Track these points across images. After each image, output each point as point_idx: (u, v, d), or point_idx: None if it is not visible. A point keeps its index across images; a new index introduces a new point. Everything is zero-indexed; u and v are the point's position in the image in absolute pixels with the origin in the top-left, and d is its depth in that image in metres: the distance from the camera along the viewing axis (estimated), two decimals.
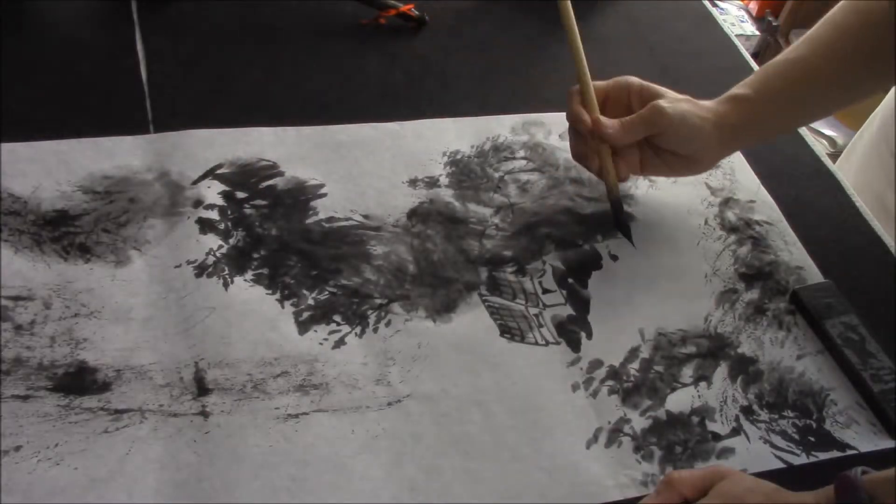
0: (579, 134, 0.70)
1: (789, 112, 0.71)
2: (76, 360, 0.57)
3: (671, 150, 0.69)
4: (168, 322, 0.60)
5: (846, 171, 0.95)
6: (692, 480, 0.55)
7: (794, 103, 0.70)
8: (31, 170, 0.66)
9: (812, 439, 0.62)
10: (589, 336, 0.65)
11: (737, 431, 0.61)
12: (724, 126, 0.68)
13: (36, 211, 0.64)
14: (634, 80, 0.70)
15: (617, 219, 0.71)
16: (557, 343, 0.64)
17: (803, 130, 0.88)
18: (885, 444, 0.62)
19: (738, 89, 0.70)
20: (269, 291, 0.63)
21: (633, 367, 0.64)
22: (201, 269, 0.63)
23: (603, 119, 0.68)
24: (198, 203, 0.67)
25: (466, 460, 0.56)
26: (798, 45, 0.71)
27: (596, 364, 0.63)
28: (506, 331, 0.64)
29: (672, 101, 0.68)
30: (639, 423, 0.60)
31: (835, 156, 2.14)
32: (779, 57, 0.71)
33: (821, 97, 0.71)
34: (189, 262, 0.63)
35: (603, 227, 0.73)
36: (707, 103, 0.69)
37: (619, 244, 0.72)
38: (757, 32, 2.40)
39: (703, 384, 0.64)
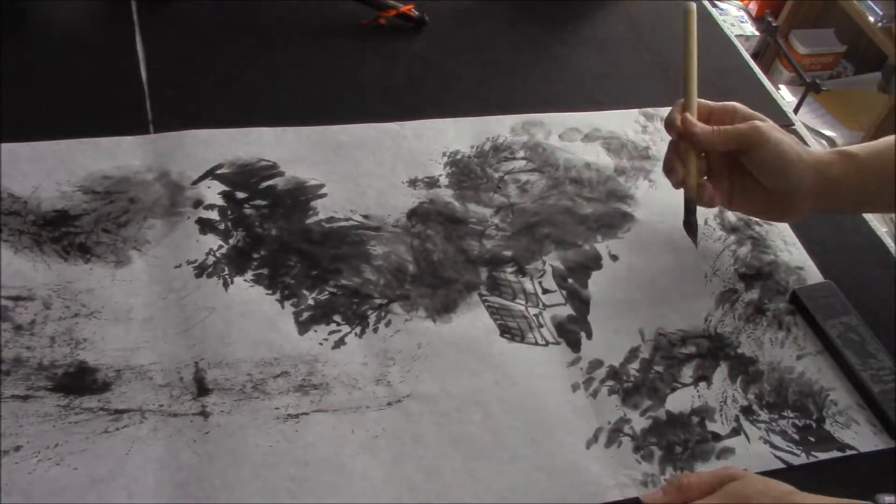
0: (674, 144, 0.68)
1: (890, 187, 0.68)
2: (76, 360, 0.57)
3: (762, 182, 0.67)
4: (168, 322, 0.60)
5: None
6: (701, 485, 0.54)
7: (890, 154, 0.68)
8: (31, 170, 0.66)
9: (812, 439, 0.62)
10: (589, 336, 0.65)
11: (737, 431, 0.61)
12: (821, 174, 0.66)
13: (36, 211, 0.64)
14: (739, 106, 0.69)
15: (687, 219, 0.69)
16: (557, 343, 0.64)
17: (803, 130, 0.88)
18: (885, 444, 0.62)
19: (846, 148, 0.69)
20: (269, 291, 0.63)
21: (633, 367, 0.64)
22: (201, 269, 0.63)
23: (692, 118, 0.66)
24: (198, 203, 0.67)
25: (466, 460, 0.56)
26: None
27: (596, 364, 0.63)
28: (506, 331, 0.64)
29: (773, 127, 0.66)
30: (639, 423, 0.60)
31: None
32: (892, 136, 0.70)
33: None
34: (189, 262, 0.63)
35: (603, 227, 0.73)
36: (813, 149, 0.68)
37: (619, 244, 0.72)
38: (756, 33, 2.40)
39: (703, 384, 0.64)
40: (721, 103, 0.69)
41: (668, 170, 0.69)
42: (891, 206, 0.71)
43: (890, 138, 0.70)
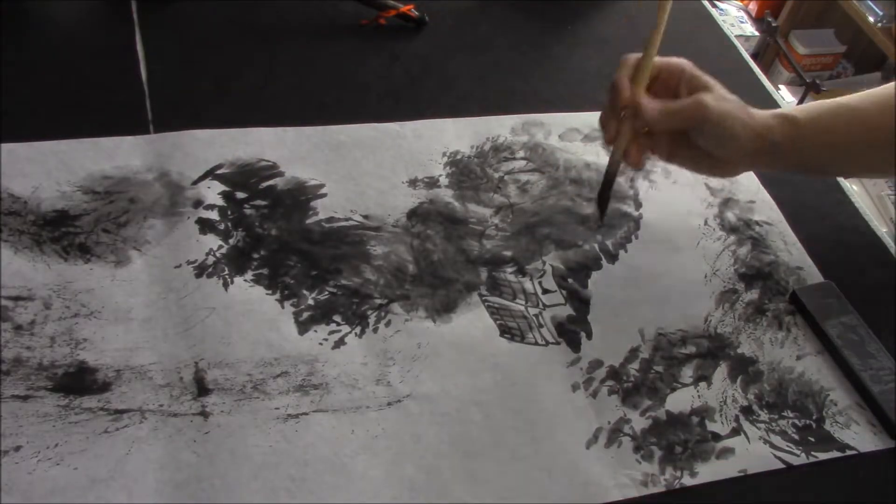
0: (614, 103, 0.66)
1: (830, 150, 0.69)
2: (76, 360, 0.57)
3: (704, 148, 0.67)
4: (168, 322, 0.60)
5: None
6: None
7: (837, 144, 0.68)
8: (31, 170, 0.66)
9: (812, 439, 0.62)
10: (589, 336, 0.65)
11: (737, 431, 0.61)
12: (764, 139, 0.66)
13: (36, 211, 0.64)
14: (687, 65, 0.67)
15: (602, 191, 0.68)
16: (557, 343, 0.64)
17: None
18: (885, 444, 0.62)
19: (788, 109, 0.69)
20: (269, 291, 0.63)
21: (633, 367, 0.64)
22: (201, 270, 0.63)
23: (644, 99, 0.65)
24: (198, 203, 0.67)
25: (466, 460, 0.56)
26: (860, 94, 0.70)
27: (596, 364, 0.63)
28: (506, 331, 0.64)
29: (718, 98, 0.65)
30: (639, 423, 0.60)
31: None
32: (838, 98, 0.70)
33: (865, 147, 0.68)
34: (189, 262, 0.63)
35: (603, 227, 0.73)
36: (755, 111, 0.67)
37: (619, 244, 0.72)
38: (756, 33, 2.40)
39: (702, 384, 0.64)
40: (667, 60, 0.67)
41: (603, 125, 0.68)
42: (826, 172, 0.74)
43: (827, 102, 0.69)
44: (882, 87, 0.70)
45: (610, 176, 0.68)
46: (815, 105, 0.70)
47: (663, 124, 0.66)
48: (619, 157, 0.67)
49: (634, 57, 0.67)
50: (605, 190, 0.69)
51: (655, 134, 0.68)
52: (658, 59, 0.67)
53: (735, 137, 0.65)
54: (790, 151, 0.67)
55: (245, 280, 0.63)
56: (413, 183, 0.73)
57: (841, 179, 0.83)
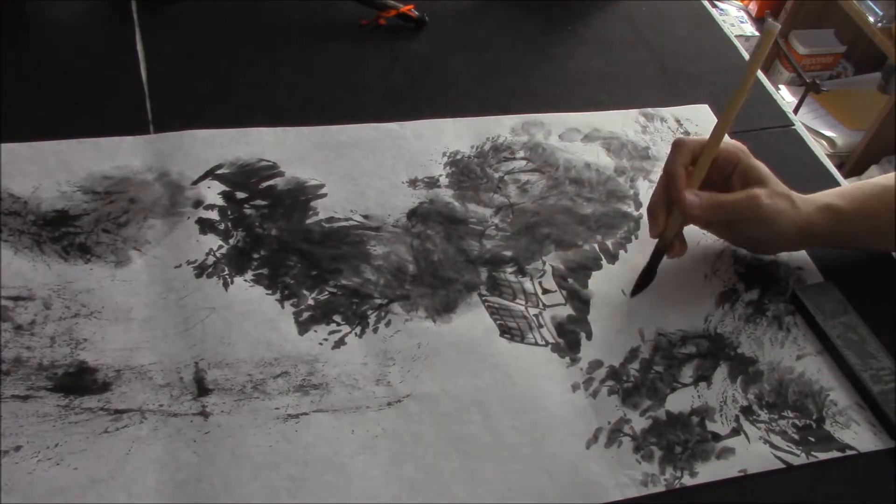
0: (666, 188, 0.66)
1: (869, 234, 0.70)
2: (76, 360, 0.57)
3: (747, 235, 0.69)
4: (168, 322, 0.60)
5: None
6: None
7: (877, 228, 0.69)
8: (31, 170, 0.66)
9: (812, 439, 0.62)
10: (589, 336, 0.65)
11: (737, 431, 0.61)
12: (807, 232, 0.68)
13: (36, 211, 0.64)
14: (743, 152, 0.67)
15: (644, 274, 0.68)
16: (557, 343, 0.64)
17: (802, 130, 0.88)
18: (885, 444, 0.62)
19: (834, 199, 0.69)
20: (269, 291, 0.63)
21: (633, 367, 0.64)
22: (201, 270, 0.63)
23: (690, 198, 0.64)
24: (198, 203, 0.67)
25: (466, 460, 0.56)
26: None
27: (596, 364, 0.63)
28: (506, 331, 0.64)
29: (772, 195, 0.65)
30: (639, 423, 0.60)
31: (835, 156, 2.14)
32: (877, 179, 0.71)
33: None
34: (189, 263, 0.63)
35: (603, 227, 0.73)
36: (803, 205, 0.67)
37: (619, 244, 0.72)
38: (756, 33, 2.39)
39: (702, 384, 0.64)
40: (726, 147, 0.66)
41: (652, 215, 0.67)
42: (873, 248, 0.75)
43: (868, 185, 0.70)
44: None
45: (652, 266, 0.68)
46: (856, 190, 0.70)
47: (711, 217, 0.67)
48: (664, 247, 0.67)
49: (692, 142, 0.65)
50: (647, 273, 0.68)
51: None
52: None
53: (781, 234, 0.67)
54: (831, 237, 0.70)
55: (245, 280, 0.63)
56: (413, 183, 0.73)
57: (841, 179, 0.82)
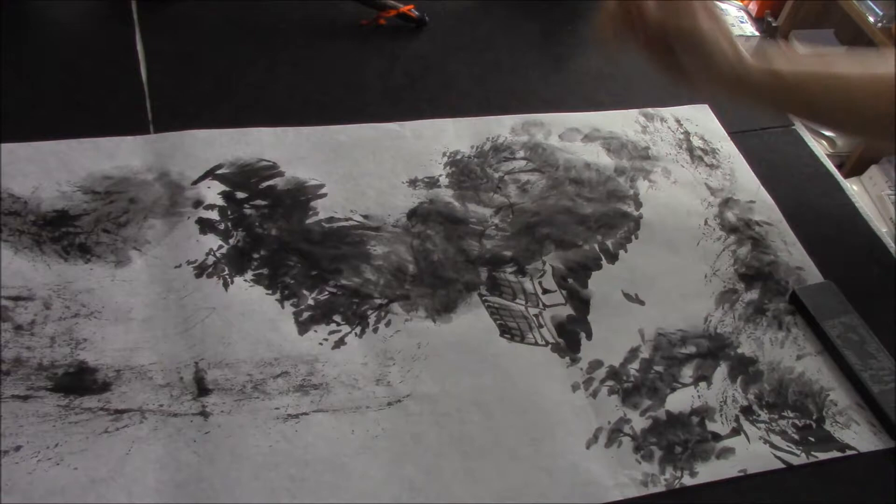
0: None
1: (807, 108, 0.69)
2: (76, 360, 0.57)
3: (682, 58, 0.66)
4: (168, 322, 0.60)
5: None
6: None
7: (814, 104, 0.68)
8: (31, 170, 0.66)
9: (812, 439, 0.62)
10: (589, 336, 0.65)
11: (737, 431, 0.61)
12: (743, 79, 0.66)
13: (36, 211, 0.64)
14: None
15: None
16: (557, 343, 0.64)
17: (802, 130, 0.88)
18: (885, 444, 0.62)
19: (779, 64, 0.67)
20: (269, 291, 0.63)
21: (633, 367, 0.64)
22: (201, 269, 0.63)
23: None
24: (198, 203, 0.67)
25: (466, 460, 0.56)
26: (848, 61, 0.69)
27: (596, 364, 0.63)
28: (506, 331, 0.64)
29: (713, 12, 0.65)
30: (639, 423, 0.60)
31: (835, 156, 2.14)
32: (824, 59, 0.70)
33: (843, 115, 0.68)
34: (189, 262, 0.63)
35: (603, 227, 0.73)
36: (744, 51, 0.66)
37: (619, 244, 0.72)
38: (756, 33, 2.39)
39: (703, 384, 0.64)
40: None
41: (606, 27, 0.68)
42: (797, 118, 0.75)
43: (813, 62, 0.69)
44: (871, 59, 0.69)
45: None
46: (800, 63, 0.69)
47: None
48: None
49: None
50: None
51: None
52: None
53: (714, 64, 0.65)
54: (766, 96, 0.68)
55: (245, 280, 0.63)
56: (413, 183, 0.73)
57: (841, 179, 0.83)
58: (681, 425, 0.61)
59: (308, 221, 0.68)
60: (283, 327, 0.61)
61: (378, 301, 0.64)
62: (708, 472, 0.58)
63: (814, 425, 0.62)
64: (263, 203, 0.68)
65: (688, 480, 0.58)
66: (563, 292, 0.67)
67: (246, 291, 0.62)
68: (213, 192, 0.68)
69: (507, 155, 0.77)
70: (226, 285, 0.62)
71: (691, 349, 0.66)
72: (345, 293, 0.64)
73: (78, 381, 0.56)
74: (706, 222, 0.75)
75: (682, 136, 0.83)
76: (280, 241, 0.66)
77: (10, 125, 0.69)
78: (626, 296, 0.68)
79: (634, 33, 0.67)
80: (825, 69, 0.69)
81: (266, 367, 0.59)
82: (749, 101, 0.72)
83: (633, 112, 0.84)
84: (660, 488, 0.57)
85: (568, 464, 0.57)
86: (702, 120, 0.85)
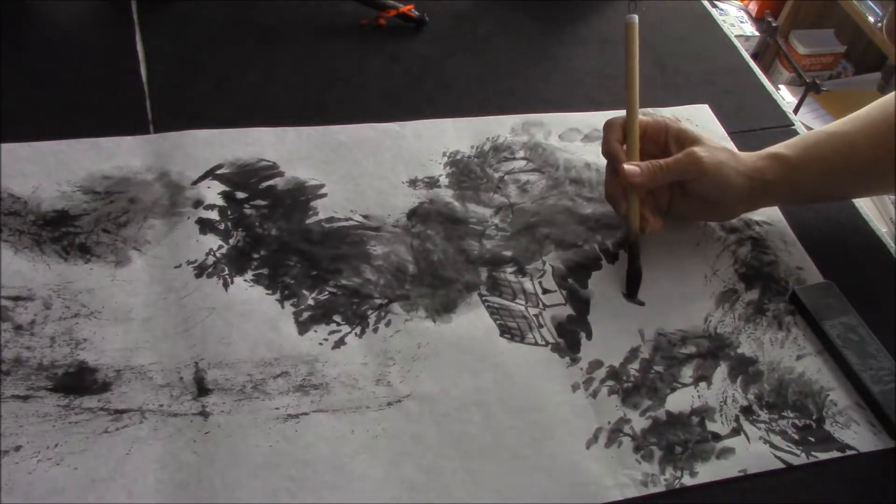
0: (615, 171, 0.69)
1: (824, 182, 0.71)
2: (76, 360, 0.57)
3: (701, 196, 0.69)
4: (168, 322, 0.60)
5: None
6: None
7: (829, 174, 0.70)
8: (31, 170, 0.66)
9: (812, 439, 0.62)
10: (589, 336, 0.65)
11: (737, 431, 0.61)
12: (757, 180, 0.69)
13: (36, 211, 0.64)
14: (672, 121, 0.71)
15: (630, 267, 0.68)
16: (557, 343, 0.64)
17: (803, 130, 0.88)
18: (885, 444, 0.62)
19: (778, 148, 0.71)
20: (269, 292, 0.63)
21: (633, 367, 0.64)
22: (201, 270, 0.63)
23: (629, 168, 0.67)
24: (198, 203, 0.67)
25: (466, 460, 0.56)
26: (844, 119, 0.72)
27: (596, 364, 0.63)
28: (506, 331, 0.64)
29: (709, 149, 0.68)
30: (639, 423, 0.60)
31: None
32: (824, 126, 0.72)
33: (857, 174, 0.71)
34: (189, 263, 0.63)
35: (603, 228, 0.73)
36: (745, 156, 0.70)
37: (619, 244, 0.72)
38: (756, 33, 2.39)
39: (702, 384, 0.64)
40: (653, 118, 0.71)
41: (611, 200, 0.70)
42: (824, 198, 0.76)
43: (812, 133, 0.72)
44: (864, 109, 0.72)
45: (634, 248, 0.68)
46: (800, 139, 0.72)
47: (656, 183, 0.68)
48: (635, 228, 0.69)
49: (621, 119, 0.69)
50: (633, 263, 0.68)
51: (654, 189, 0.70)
52: (642, 118, 0.70)
53: (730, 185, 0.68)
54: (784, 187, 0.70)
55: (245, 280, 0.63)
56: (413, 183, 0.73)
57: None
58: (681, 425, 0.61)
59: (308, 221, 0.68)
60: (283, 327, 0.61)
61: (378, 301, 0.64)
62: (708, 472, 0.58)
63: (814, 425, 0.62)
64: (263, 203, 0.68)
65: (688, 480, 0.58)
66: (563, 292, 0.67)
67: (246, 291, 0.62)
68: (213, 192, 0.68)
69: (507, 155, 0.77)
70: (226, 285, 0.62)
71: (691, 349, 0.66)
72: (345, 293, 0.64)
73: (78, 381, 0.56)
74: (706, 222, 0.75)
75: None
76: (280, 241, 0.66)
77: (10, 125, 0.69)
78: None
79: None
80: (823, 132, 0.71)
81: (266, 367, 0.59)
82: (773, 203, 0.76)
83: None
84: (660, 488, 0.57)
85: (568, 464, 0.57)
86: (702, 120, 0.85)
